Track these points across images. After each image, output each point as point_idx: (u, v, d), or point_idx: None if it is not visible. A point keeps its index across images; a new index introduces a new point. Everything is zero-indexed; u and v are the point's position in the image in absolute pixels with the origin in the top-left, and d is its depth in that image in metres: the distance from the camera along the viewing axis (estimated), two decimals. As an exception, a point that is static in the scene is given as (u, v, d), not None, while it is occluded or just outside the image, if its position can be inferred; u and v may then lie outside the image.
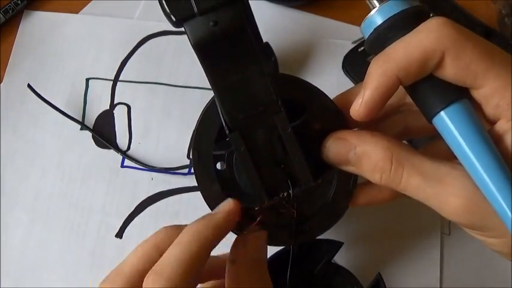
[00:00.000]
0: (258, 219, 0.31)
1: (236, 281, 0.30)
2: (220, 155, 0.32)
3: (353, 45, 0.49)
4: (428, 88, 0.27)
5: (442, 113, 0.26)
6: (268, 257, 0.33)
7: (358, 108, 0.27)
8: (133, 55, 0.50)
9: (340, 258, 0.42)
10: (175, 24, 0.27)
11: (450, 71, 0.26)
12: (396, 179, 0.27)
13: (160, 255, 0.27)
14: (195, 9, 0.27)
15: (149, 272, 0.27)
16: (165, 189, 0.46)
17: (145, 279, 0.27)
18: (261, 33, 0.38)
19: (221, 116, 0.29)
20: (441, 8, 0.49)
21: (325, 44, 0.49)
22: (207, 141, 0.31)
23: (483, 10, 0.50)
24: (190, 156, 0.46)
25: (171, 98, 0.49)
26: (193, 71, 0.49)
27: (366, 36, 0.29)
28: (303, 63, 0.48)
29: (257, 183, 0.30)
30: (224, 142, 0.31)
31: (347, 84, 0.47)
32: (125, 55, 0.50)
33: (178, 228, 0.29)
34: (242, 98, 0.29)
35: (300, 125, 0.30)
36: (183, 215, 0.45)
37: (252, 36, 0.28)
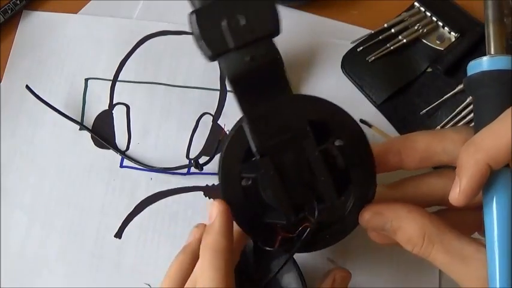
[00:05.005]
0: (279, 238, 0.33)
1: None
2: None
3: (352, 45, 0.49)
4: None
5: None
6: None
7: (457, 197, 0.29)
8: (132, 55, 0.50)
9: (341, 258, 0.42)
10: (210, 58, 0.28)
11: None
12: (426, 253, 0.31)
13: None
14: (231, 44, 0.27)
15: None
16: (164, 189, 0.46)
17: None
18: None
19: (250, 142, 0.30)
20: (441, 8, 0.49)
21: (325, 44, 0.49)
22: (234, 163, 0.32)
23: (483, 10, 0.50)
24: (190, 156, 0.47)
25: (170, 97, 0.48)
26: (192, 71, 0.49)
27: (469, 73, 0.31)
28: (302, 63, 0.48)
29: (285, 203, 0.31)
30: (251, 162, 0.32)
31: (346, 83, 0.47)
32: (124, 55, 0.50)
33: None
34: (272, 126, 0.29)
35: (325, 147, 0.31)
36: (182, 215, 0.45)
37: (283, 65, 0.28)
